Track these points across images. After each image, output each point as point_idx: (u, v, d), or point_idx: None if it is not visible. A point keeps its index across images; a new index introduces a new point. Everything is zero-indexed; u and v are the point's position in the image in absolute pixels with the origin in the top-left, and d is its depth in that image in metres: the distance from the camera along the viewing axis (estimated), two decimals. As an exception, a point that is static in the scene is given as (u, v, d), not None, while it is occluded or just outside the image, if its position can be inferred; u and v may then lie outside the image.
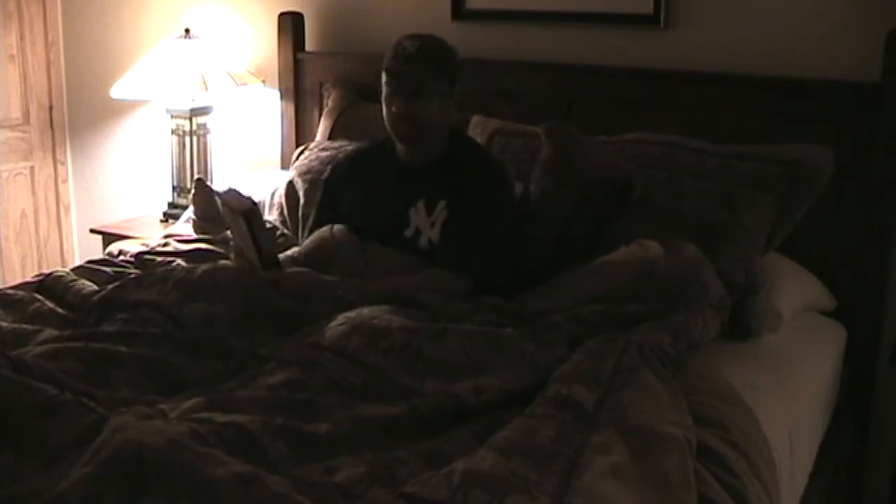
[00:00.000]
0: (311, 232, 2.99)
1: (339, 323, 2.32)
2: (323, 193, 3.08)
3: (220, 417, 1.87)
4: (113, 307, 2.53)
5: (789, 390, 2.48)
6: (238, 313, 2.43)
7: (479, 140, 3.22)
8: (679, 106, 3.19)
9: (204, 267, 2.62)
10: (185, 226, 3.47)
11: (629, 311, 2.40)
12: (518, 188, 2.96)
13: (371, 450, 1.86)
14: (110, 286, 2.64)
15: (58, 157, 4.89)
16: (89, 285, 2.75)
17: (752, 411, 2.19)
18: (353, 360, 2.20)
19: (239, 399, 2.01)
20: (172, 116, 4.11)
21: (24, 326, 2.49)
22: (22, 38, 4.67)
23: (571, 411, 1.92)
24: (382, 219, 2.85)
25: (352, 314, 2.36)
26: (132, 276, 2.74)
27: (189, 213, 3.51)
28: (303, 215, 3.30)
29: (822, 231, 2.96)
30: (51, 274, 2.88)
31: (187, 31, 4.07)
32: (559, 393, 1.97)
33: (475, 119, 3.38)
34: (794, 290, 2.79)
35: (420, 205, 2.82)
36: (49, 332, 2.40)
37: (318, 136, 3.77)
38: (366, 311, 2.37)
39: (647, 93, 3.24)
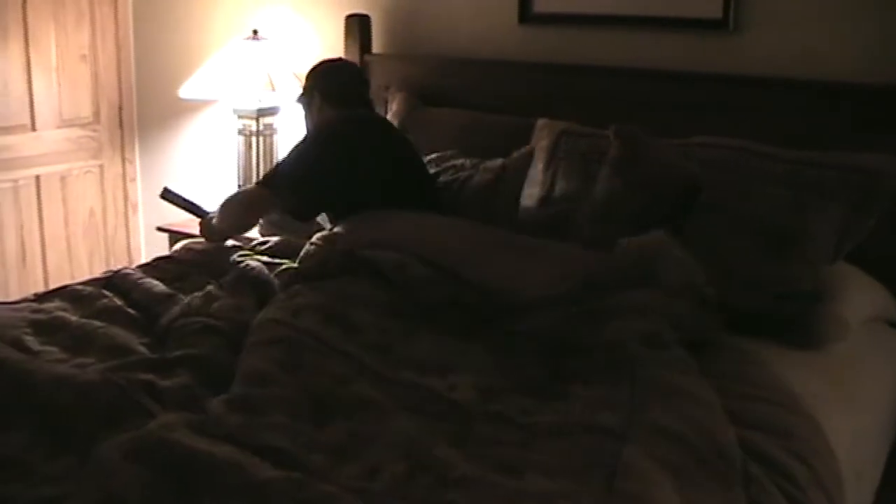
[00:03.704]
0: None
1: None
2: None
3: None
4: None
5: (854, 401, 2.44)
6: None
7: (545, 142, 3.24)
8: (746, 110, 3.16)
9: None
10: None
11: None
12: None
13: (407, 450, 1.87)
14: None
15: (126, 155, 4.96)
16: (156, 283, 2.79)
17: (817, 421, 2.16)
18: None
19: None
20: (239, 117, 4.15)
21: (93, 322, 2.53)
22: (93, 38, 4.74)
23: (601, 434, 1.91)
24: None
25: None
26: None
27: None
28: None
29: (892, 241, 2.91)
30: (119, 271, 2.93)
31: (255, 32, 4.11)
32: (583, 421, 1.96)
33: (541, 122, 3.38)
34: (862, 300, 2.75)
35: None
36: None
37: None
38: None
39: (713, 97, 3.21)
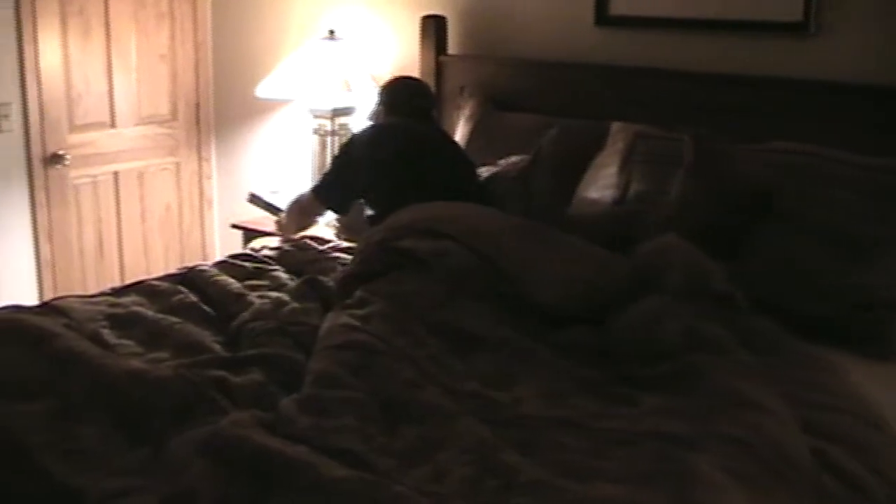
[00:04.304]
0: None
1: None
2: None
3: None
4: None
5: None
6: None
7: (620, 145, 3.24)
8: (825, 116, 3.11)
9: None
10: (324, 229, 3.54)
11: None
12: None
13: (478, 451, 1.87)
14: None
15: (202, 153, 5.03)
16: (231, 281, 2.82)
17: (895, 434, 2.11)
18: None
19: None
20: (315, 116, 4.18)
21: (169, 317, 2.56)
22: (173, 37, 4.81)
23: (669, 442, 1.88)
24: None
25: None
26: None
27: (329, 217, 3.57)
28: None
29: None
30: (194, 267, 2.97)
31: (332, 32, 4.13)
32: (652, 428, 1.94)
33: (615, 125, 3.35)
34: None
35: None
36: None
37: (457, 141, 3.77)
38: None
39: (792, 102, 3.16)
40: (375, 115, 3.59)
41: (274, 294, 2.73)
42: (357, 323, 2.29)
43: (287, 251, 3.21)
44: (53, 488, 1.76)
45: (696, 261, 2.49)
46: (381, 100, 3.56)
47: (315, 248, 3.24)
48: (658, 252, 2.54)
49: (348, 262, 2.88)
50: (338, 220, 3.55)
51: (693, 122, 3.13)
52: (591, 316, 2.43)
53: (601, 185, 3.21)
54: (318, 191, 3.41)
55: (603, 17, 3.65)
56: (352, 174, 3.33)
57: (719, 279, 2.45)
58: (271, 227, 4.04)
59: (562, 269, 2.54)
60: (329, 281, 2.76)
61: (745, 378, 2.11)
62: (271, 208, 3.84)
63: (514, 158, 3.43)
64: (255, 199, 3.98)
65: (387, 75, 4.06)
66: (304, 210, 3.47)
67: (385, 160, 3.27)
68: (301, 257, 3.14)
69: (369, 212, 3.35)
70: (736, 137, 3.05)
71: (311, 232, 3.56)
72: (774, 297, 2.61)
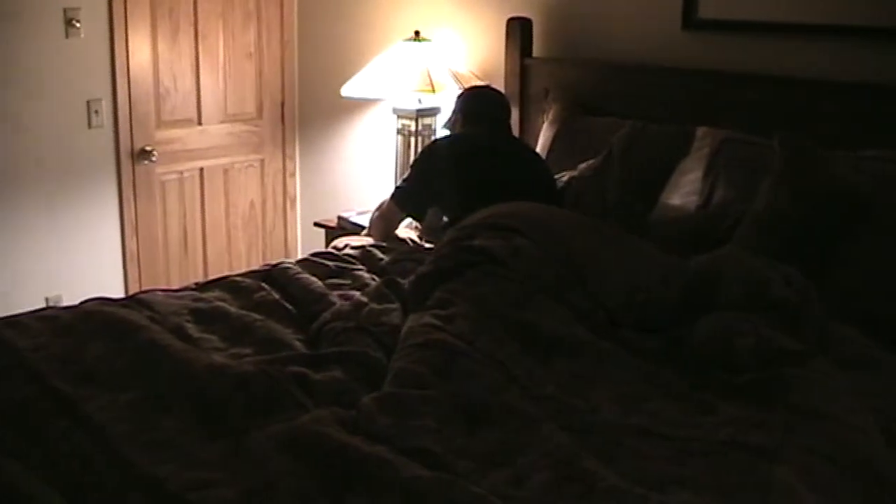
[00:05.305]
0: None
1: None
2: None
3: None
4: None
5: None
6: None
7: (706, 150, 3.20)
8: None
9: None
10: (406, 230, 3.55)
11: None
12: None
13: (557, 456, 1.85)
14: None
15: (287, 151, 5.08)
16: (314, 280, 2.84)
17: None
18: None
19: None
20: (399, 116, 4.19)
21: (252, 314, 2.59)
22: (259, 37, 4.87)
23: (751, 452, 1.86)
24: None
25: None
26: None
27: (410, 220, 3.59)
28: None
29: None
30: (278, 264, 2.99)
31: (417, 33, 4.14)
32: (733, 438, 1.91)
33: (700, 130, 3.30)
34: None
35: None
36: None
37: (540, 145, 3.77)
38: None
39: (886, 108, 3.08)
40: (452, 125, 3.64)
41: (356, 294, 2.74)
42: (440, 323, 2.29)
43: (369, 251, 3.22)
44: (135, 477, 1.78)
45: (754, 270, 2.45)
46: (458, 109, 3.60)
47: (398, 249, 3.25)
48: (713, 264, 2.51)
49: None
50: (420, 224, 3.56)
51: (781, 128, 3.07)
52: (649, 325, 2.43)
53: (685, 191, 3.16)
54: (398, 198, 3.46)
55: (691, 20, 3.60)
56: (431, 182, 3.37)
57: (780, 286, 2.40)
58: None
59: (625, 277, 2.53)
60: (405, 282, 2.76)
61: (829, 390, 2.07)
62: (359, 229, 3.91)
63: (590, 161, 3.42)
64: (342, 222, 4.14)
65: (471, 77, 4.06)
66: (385, 217, 3.51)
67: (465, 171, 3.31)
68: (383, 257, 3.16)
69: (445, 218, 3.39)
70: (826, 145, 2.98)
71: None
72: (866, 307, 2.56)
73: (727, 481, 1.76)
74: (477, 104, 3.58)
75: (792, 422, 1.95)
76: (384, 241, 3.43)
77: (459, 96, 3.67)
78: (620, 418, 2.00)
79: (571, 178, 3.42)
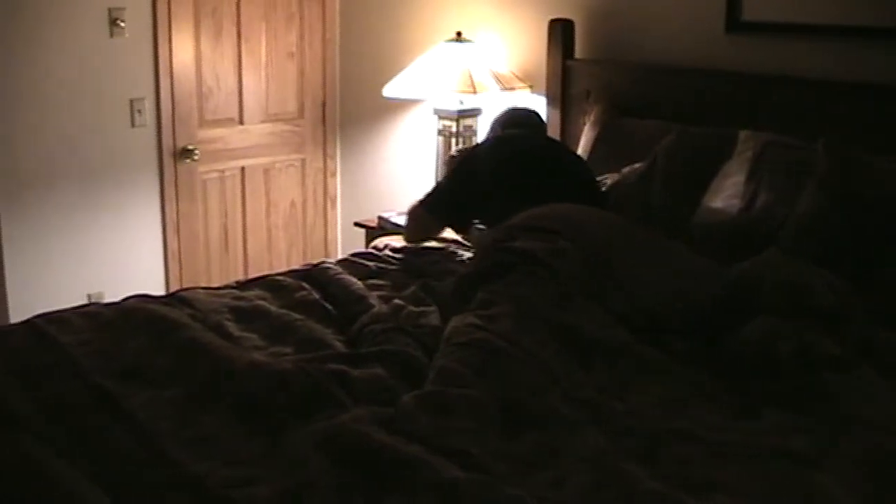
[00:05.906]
0: None
1: None
2: None
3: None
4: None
5: None
6: None
7: (749, 154, 3.16)
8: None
9: None
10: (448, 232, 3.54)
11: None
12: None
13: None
14: None
15: (328, 151, 5.10)
16: (354, 280, 2.84)
17: None
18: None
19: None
20: (440, 117, 4.19)
21: (292, 313, 2.59)
22: (301, 37, 4.89)
23: (792, 459, 1.84)
24: None
25: None
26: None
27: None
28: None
29: None
30: (318, 264, 3.00)
31: (459, 34, 4.14)
32: (774, 444, 1.89)
33: (743, 133, 3.27)
34: None
35: None
36: None
37: (581, 147, 3.76)
38: None
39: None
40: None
41: (394, 297, 2.75)
42: (483, 323, 2.28)
43: (410, 252, 3.22)
44: (175, 473, 1.80)
45: (796, 275, 2.43)
46: (495, 122, 3.60)
47: (438, 250, 3.25)
48: (754, 268, 2.49)
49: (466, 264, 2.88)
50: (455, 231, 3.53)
51: (826, 132, 3.03)
52: (690, 330, 2.41)
53: (727, 194, 3.14)
54: (434, 209, 3.37)
55: (734, 23, 3.57)
56: (473, 189, 3.29)
57: (823, 292, 2.37)
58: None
59: (666, 281, 2.51)
60: (441, 286, 2.76)
61: (873, 398, 2.05)
62: (399, 230, 3.86)
63: (635, 166, 3.39)
64: (382, 222, 4.11)
65: (512, 78, 4.06)
66: (417, 226, 3.42)
67: (507, 174, 3.25)
68: (423, 258, 3.16)
69: (481, 225, 3.36)
70: (871, 149, 2.95)
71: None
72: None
73: (768, 488, 1.74)
74: (513, 116, 3.59)
75: (835, 429, 1.94)
76: (417, 244, 3.38)
77: (496, 118, 3.64)
78: (661, 422, 1.99)
79: (616, 182, 3.40)
